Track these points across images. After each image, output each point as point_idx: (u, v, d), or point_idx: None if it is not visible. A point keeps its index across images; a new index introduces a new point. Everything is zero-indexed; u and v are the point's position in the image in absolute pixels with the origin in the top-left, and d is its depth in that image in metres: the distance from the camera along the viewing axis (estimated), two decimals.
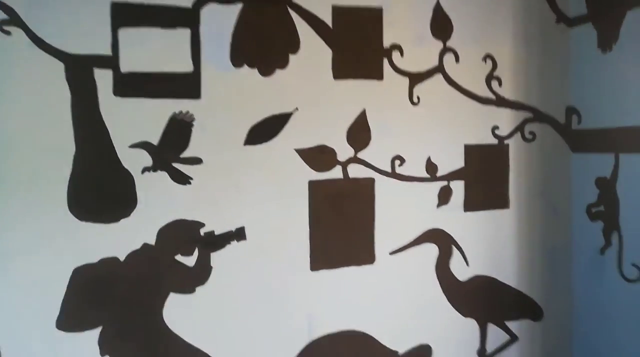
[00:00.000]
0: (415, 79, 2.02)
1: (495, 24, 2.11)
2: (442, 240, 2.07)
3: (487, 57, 2.10)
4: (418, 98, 2.02)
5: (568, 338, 2.25)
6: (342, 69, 1.95)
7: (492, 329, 2.16)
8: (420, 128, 2.04)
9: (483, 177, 2.12)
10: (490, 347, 2.16)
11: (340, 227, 1.95)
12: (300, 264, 1.90)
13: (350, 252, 1.96)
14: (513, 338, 2.18)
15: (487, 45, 2.10)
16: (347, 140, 1.95)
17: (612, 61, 2.00)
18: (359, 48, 1.96)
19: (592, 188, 2.12)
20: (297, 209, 1.89)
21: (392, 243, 2.01)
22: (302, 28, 1.90)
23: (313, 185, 1.91)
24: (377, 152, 1.98)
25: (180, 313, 1.74)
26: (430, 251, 2.07)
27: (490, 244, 2.14)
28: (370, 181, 1.98)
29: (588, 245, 2.15)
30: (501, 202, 2.16)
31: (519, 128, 2.16)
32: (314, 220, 1.91)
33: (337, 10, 1.93)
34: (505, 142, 2.14)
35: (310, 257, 1.91)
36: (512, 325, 2.18)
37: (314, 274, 1.92)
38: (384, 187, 1.99)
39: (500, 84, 2.12)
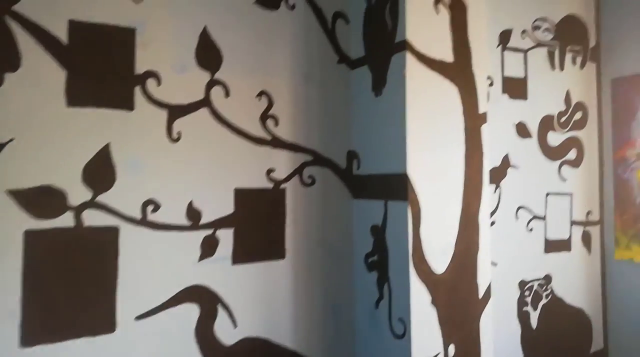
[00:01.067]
0: (176, 112, 1.75)
1: (273, 59, 1.95)
2: (204, 299, 1.78)
3: (263, 93, 1.92)
4: (179, 134, 1.75)
5: None
6: (80, 95, 1.60)
7: None
8: (181, 168, 1.76)
9: (256, 225, 1.90)
10: None
11: (69, 289, 1.56)
12: (6, 341, 1.46)
13: (83, 321, 1.58)
14: None
15: (263, 81, 1.92)
16: (83, 180, 1.59)
17: (382, 105, 1.95)
18: (103, 72, 1.63)
19: (368, 237, 2.02)
20: (4, 267, 1.47)
21: (140, 306, 1.67)
22: (26, 43, 1.52)
23: (31, 236, 1.51)
24: (123, 195, 1.65)
25: None
26: (190, 312, 1.76)
27: (263, 301, 1.91)
28: (113, 231, 1.63)
29: (367, 298, 2.04)
30: (276, 252, 1.95)
31: (297, 171, 1.99)
32: (29, 282, 1.50)
33: (75, 26, 1.59)
34: (282, 186, 1.96)
35: (21, 330, 1.48)
36: None
37: (26, 351, 1.49)
38: (131, 238, 1.66)
39: (276, 123, 1.94)
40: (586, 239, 2.93)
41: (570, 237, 2.87)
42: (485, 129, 2.02)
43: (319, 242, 2.04)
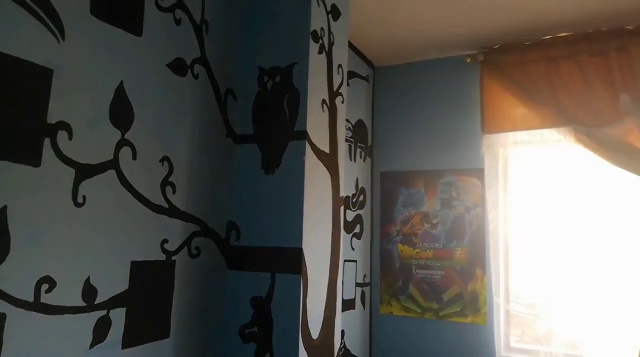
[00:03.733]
0: (84, 172, 1.44)
1: (176, 124, 1.81)
2: None
3: (165, 159, 1.75)
4: (84, 198, 1.44)
5: None
6: None
7: None
8: (82, 238, 1.43)
9: (146, 301, 1.66)
10: None
11: None
12: None
13: None
14: None
15: (166, 146, 1.76)
16: None
17: (274, 184, 2.03)
18: (10, 115, 1.25)
19: (247, 308, 2.00)
20: None
21: None
22: None
23: None
24: (16, 274, 1.25)
25: None
26: None
27: None
28: (0, 319, 1.21)
29: None
30: (162, 330, 1.73)
31: (187, 242, 1.85)
32: None
33: None
34: (173, 258, 1.78)
35: None
36: None
37: None
38: (20, 327, 1.25)
39: (174, 191, 1.79)
40: (362, 298, 3.50)
41: (354, 296, 3.38)
42: (342, 210, 2.31)
43: (199, 317, 1.89)
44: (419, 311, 3.46)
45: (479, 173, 3.37)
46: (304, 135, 1.99)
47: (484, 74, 3.35)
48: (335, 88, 2.28)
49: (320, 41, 2.14)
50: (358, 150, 3.51)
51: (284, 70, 2.08)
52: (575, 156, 3.12)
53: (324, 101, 2.16)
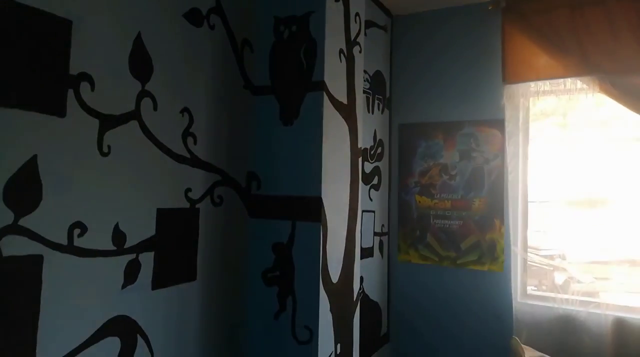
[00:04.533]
0: (108, 122, 1.47)
1: (195, 77, 1.82)
2: (125, 330, 1.53)
3: (185, 110, 1.77)
4: (109, 147, 1.48)
5: None
6: (3, 92, 1.21)
7: None
8: (109, 186, 1.48)
9: (173, 247, 1.73)
10: None
11: None
12: None
13: None
14: None
15: (186, 98, 1.77)
16: (5, 201, 1.20)
17: (293, 135, 2.04)
18: (33, 66, 1.27)
19: (269, 254, 2.07)
20: None
21: (62, 344, 1.34)
22: None
23: None
24: (49, 218, 1.31)
25: None
26: (111, 346, 1.49)
27: (176, 326, 1.74)
28: (37, 260, 1.28)
29: (263, 311, 2.06)
30: (189, 274, 1.81)
31: (209, 191, 1.89)
32: None
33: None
34: (197, 206, 1.83)
35: None
36: None
37: None
38: (56, 268, 1.32)
39: (195, 142, 1.82)
40: (380, 247, 3.56)
41: (373, 245, 3.43)
42: (359, 161, 2.32)
43: (223, 262, 1.97)
44: (437, 259, 3.51)
45: (499, 124, 3.31)
46: (321, 86, 1.98)
47: (506, 21, 3.23)
48: (352, 37, 2.24)
49: None
50: (376, 102, 3.47)
51: (300, 19, 2.03)
52: (597, 105, 3.02)
53: (341, 51, 2.12)
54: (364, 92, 3.25)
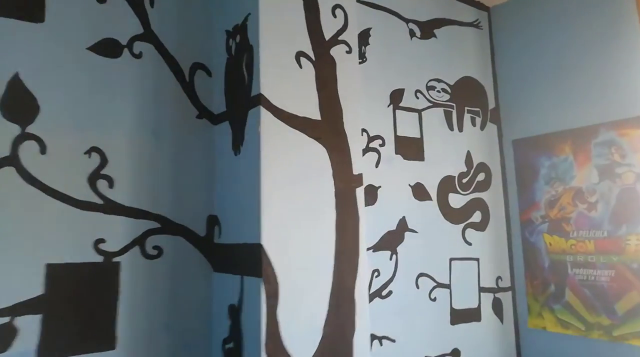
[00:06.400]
0: None
1: (110, 112, 1.59)
2: None
3: (94, 150, 1.55)
4: None
5: None
6: None
7: None
8: None
9: (75, 308, 1.46)
10: None
11: None
12: None
13: None
14: None
15: (95, 137, 1.55)
16: None
17: (240, 165, 1.61)
18: None
19: (225, 318, 1.62)
20: None
21: None
22: None
23: None
24: None
25: None
26: None
27: None
28: None
29: None
30: (104, 341, 1.51)
31: (138, 241, 1.59)
32: None
33: None
34: (115, 259, 1.55)
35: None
36: None
37: None
38: None
39: (111, 185, 1.56)
40: (497, 307, 2.61)
41: (479, 305, 2.53)
42: (360, 192, 1.70)
43: (166, 326, 1.61)
44: (583, 328, 2.37)
45: None
46: (258, 100, 1.52)
47: None
48: (328, 36, 1.71)
49: None
50: (468, 116, 2.67)
51: (241, 26, 1.64)
52: None
53: (300, 55, 1.62)
54: (440, 105, 2.53)
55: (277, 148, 1.52)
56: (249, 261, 1.49)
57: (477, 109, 2.72)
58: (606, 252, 2.30)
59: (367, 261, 1.68)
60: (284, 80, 1.56)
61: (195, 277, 1.69)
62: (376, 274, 2.14)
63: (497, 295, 2.62)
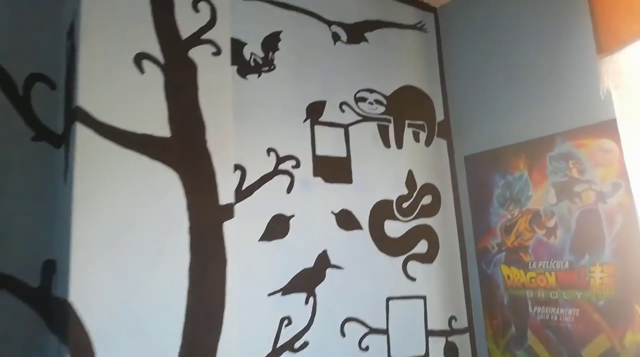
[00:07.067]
0: None
1: None
2: None
3: None
4: None
5: None
6: None
7: None
8: None
9: None
10: None
11: None
12: None
13: None
14: None
15: None
16: None
17: (67, 195, 1.27)
18: None
19: None
20: None
21: None
22: None
23: None
24: None
25: None
26: None
27: None
28: None
29: None
30: None
31: None
32: None
33: None
34: None
35: None
36: None
37: None
38: None
39: None
40: (451, 353, 2.20)
41: (427, 352, 2.13)
42: (228, 227, 1.35)
43: None
44: None
45: (609, 127, 1.78)
46: (76, 115, 1.19)
47: None
48: (187, 34, 1.39)
49: None
50: (408, 131, 2.32)
51: (71, 26, 1.33)
52: None
53: (141, 57, 1.30)
54: (374, 119, 2.19)
55: (100, 175, 1.18)
56: (62, 322, 1.14)
57: (421, 123, 2.37)
58: (569, 286, 1.92)
59: (234, 315, 1.31)
60: (115, 89, 1.24)
61: (26, 343, 1.33)
62: (286, 322, 1.77)
63: (450, 339, 2.22)
